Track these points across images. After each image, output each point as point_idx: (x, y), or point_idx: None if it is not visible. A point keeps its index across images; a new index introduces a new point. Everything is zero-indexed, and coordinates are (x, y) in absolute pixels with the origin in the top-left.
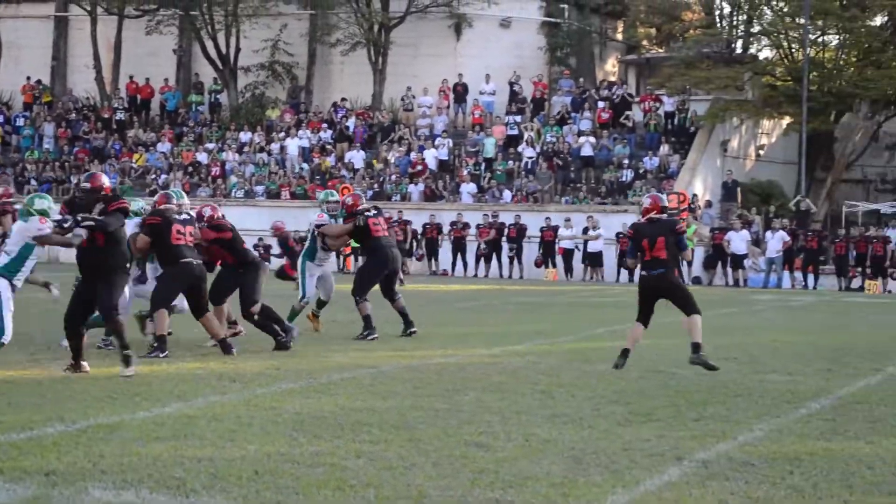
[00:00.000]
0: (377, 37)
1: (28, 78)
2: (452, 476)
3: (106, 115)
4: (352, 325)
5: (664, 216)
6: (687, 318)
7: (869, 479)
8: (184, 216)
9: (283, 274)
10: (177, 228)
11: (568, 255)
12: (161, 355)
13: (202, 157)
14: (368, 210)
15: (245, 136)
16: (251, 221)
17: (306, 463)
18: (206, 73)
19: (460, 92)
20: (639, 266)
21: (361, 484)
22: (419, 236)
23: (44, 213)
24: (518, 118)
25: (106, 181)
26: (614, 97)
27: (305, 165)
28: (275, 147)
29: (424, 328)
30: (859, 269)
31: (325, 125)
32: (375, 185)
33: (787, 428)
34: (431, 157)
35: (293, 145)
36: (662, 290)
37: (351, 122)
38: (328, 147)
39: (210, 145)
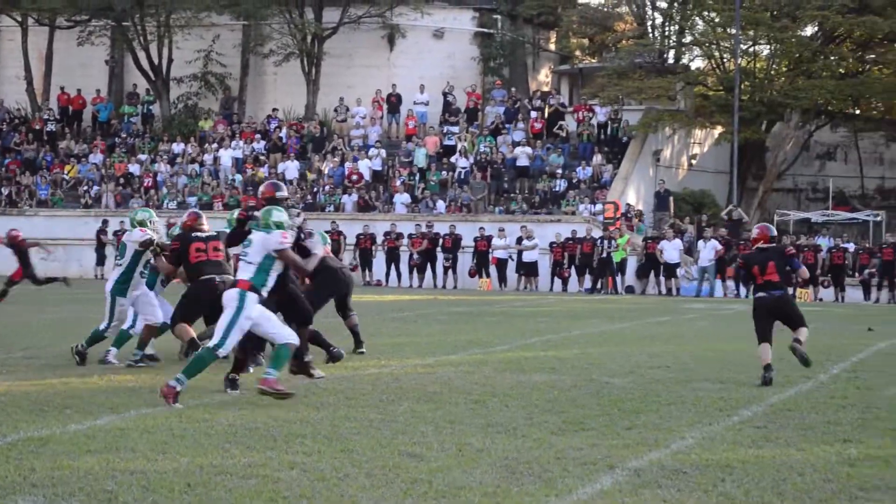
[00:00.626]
0: (310, 47)
1: None
2: (385, 486)
3: (37, 127)
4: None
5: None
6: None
7: (800, 487)
8: (208, 233)
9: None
10: (196, 246)
11: (502, 264)
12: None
13: (134, 169)
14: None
15: (178, 147)
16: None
17: (239, 475)
18: (138, 84)
19: (394, 102)
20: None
21: (294, 495)
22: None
23: (280, 226)
24: (452, 128)
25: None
26: (548, 107)
27: (238, 176)
28: (208, 158)
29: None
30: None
31: (258, 136)
32: (309, 196)
33: (719, 436)
34: (365, 167)
35: (226, 156)
36: (779, 311)
37: (284, 133)
38: (261, 158)
39: (142, 156)
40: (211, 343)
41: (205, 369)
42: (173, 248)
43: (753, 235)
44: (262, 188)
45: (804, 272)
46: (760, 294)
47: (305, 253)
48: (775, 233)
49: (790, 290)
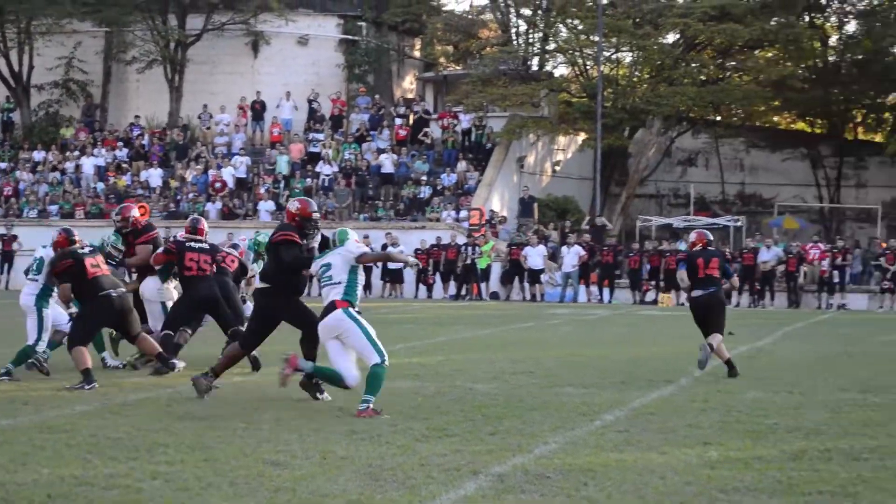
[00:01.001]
0: (174, 54)
1: None
2: (249, 495)
3: None
4: None
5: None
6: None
7: (661, 489)
8: (200, 245)
9: None
10: (189, 257)
11: (367, 271)
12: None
13: None
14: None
15: (38, 154)
16: (45, 241)
17: (101, 485)
18: None
19: (258, 109)
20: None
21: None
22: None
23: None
24: (318, 135)
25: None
26: (412, 114)
27: (101, 185)
28: (69, 166)
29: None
30: (653, 283)
31: (120, 143)
32: (172, 204)
33: (582, 440)
34: (229, 175)
35: (88, 164)
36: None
37: (147, 141)
38: (124, 166)
39: (2, 164)
40: (374, 361)
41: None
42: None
43: (691, 240)
44: (296, 205)
45: (735, 281)
46: (697, 292)
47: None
48: (711, 237)
49: (652, 296)
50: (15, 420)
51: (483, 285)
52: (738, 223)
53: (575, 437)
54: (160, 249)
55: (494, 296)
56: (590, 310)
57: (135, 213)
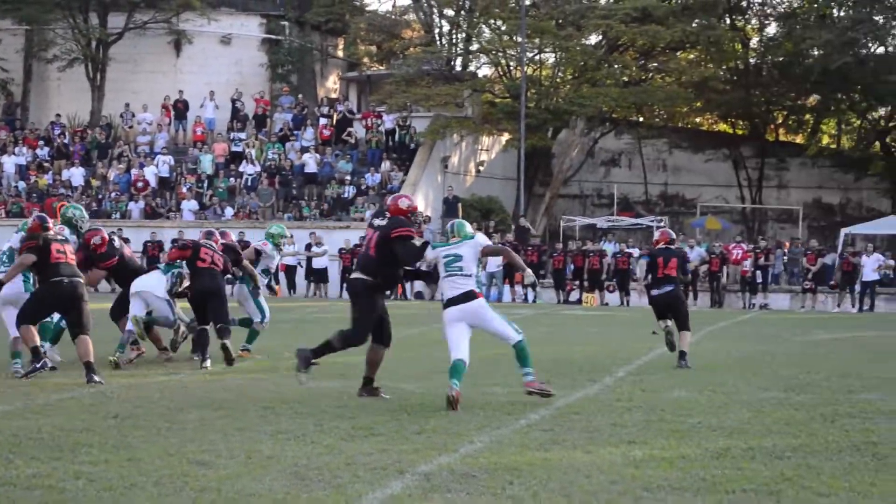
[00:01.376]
0: (95, 53)
1: None
2: (174, 495)
3: None
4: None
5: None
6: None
7: (586, 488)
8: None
9: None
10: (205, 251)
11: (291, 271)
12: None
13: None
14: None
15: None
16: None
17: (23, 485)
18: None
19: (181, 108)
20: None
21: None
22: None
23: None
24: (241, 135)
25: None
26: (336, 114)
27: (22, 183)
28: None
29: (148, 346)
30: (577, 283)
31: (41, 142)
32: (94, 204)
33: (508, 439)
34: (151, 174)
35: (9, 163)
36: (669, 307)
37: (68, 139)
38: (45, 165)
39: None
40: (516, 339)
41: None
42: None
43: (656, 237)
44: (406, 202)
45: (688, 278)
46: (654, 292)
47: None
48: (674, 236)
49: (576, 296)
50: None
51: (408, 285)
52: (661, 223)
53: (500, 436)
54: (178, 244)
55: (419, 295)
56: (514, 309)
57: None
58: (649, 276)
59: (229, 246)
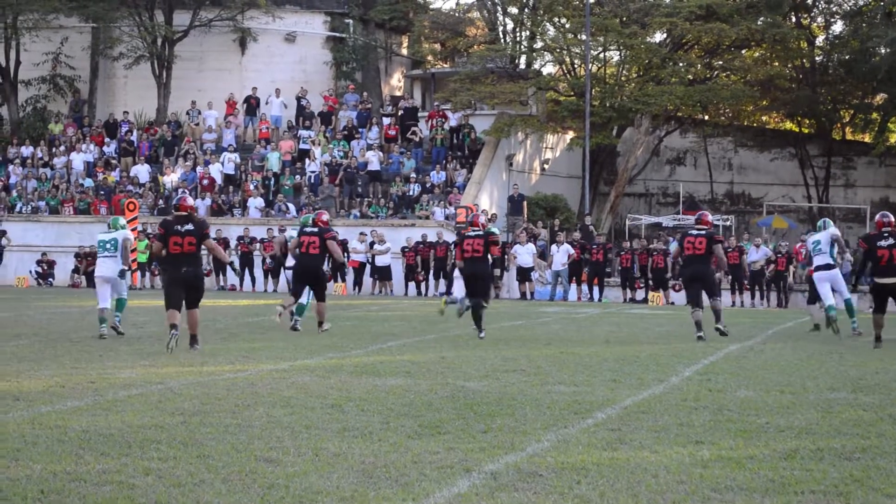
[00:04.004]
0: (161, 50)
1: None
2: (242, 492)
3: None
4: (139, 340)
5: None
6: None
7: (654, 488)
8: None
9: None
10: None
11: (359, 268)
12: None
13: None
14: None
15: (27, 150)
16: (34, 237)
17: (93, 481)
18: None
19: (253, 105)
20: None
21: (150, 501)
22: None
23: None
24: (307, 132)
25: None
26: (400, 112)
27: (89, 180)
28: (58, 161)
29: (211, 344)
30: (643, 281)
31: (108, 139)
32: (161, 201)
33: (574, 438)
34: (217, 171)
35: (78, 160)
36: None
37: (135, 136)
38: (112, 162)
39: None
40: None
41: None
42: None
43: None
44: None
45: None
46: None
47: None
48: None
49: (642, 294)
50: (6, 415)
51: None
52: (728, 222)
53: (567, 435)
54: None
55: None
56: (580, 308)
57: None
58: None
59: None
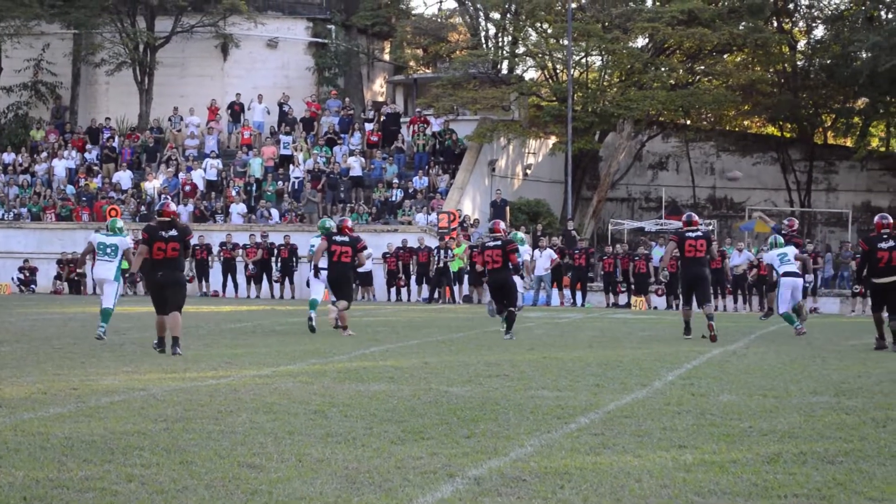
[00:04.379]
0: (143, 56)
1: None
2: (226, 498)
3: None
4: (122, 346)
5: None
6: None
7: (637, 493)
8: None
9: None
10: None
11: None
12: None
13: None
14: None
15: (8, 156)
16: (16, 244)
17: (76, 488)
18: None
19: (237, 111)
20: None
21: None
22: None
23: None
24: (288, 138)
25: None
26: (382, 117)
27: (71, 187)
28: (40, 168)
29: (194, 350)
30: (625, 286)
31: (89, 146)
32: (143, 207)
33: (558, 443)
34: (199, 177)
35: (60, 166)
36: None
37: (117, 143)
38: (94, 168)
39: None
40: None
41: None
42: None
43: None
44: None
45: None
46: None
47: None
48: (696, 218)
49: (625, 299)
50: None
51: (456, 288)
52: (710, 227)
53: (550, 439)
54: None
55: (467, 299)
56: (563, 313)
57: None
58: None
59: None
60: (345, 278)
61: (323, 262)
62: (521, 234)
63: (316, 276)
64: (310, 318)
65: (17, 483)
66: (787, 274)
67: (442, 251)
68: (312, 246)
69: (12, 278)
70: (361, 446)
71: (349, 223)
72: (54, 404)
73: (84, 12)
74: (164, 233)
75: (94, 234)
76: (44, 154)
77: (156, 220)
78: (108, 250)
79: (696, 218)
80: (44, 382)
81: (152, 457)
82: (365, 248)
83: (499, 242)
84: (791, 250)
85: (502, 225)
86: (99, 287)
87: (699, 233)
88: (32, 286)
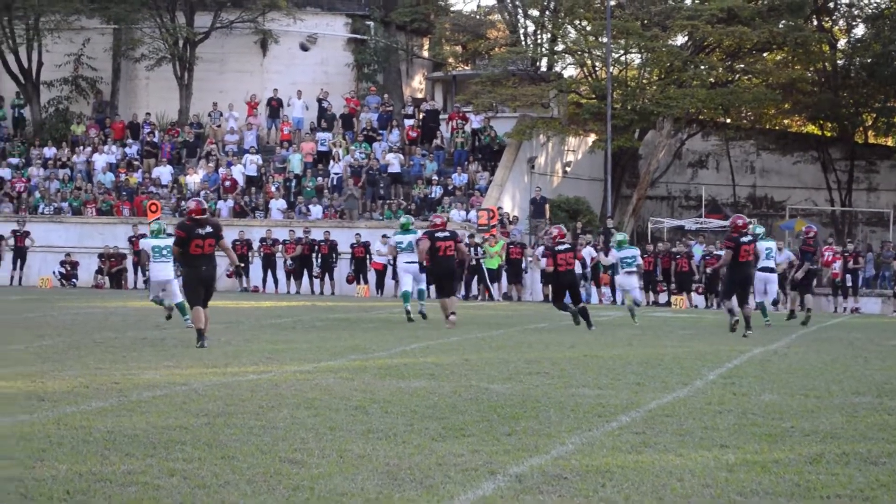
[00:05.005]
0: (182, 52)
1: None
2: (267, 493)
3: None
4: (163, 341)
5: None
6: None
7: (679, 492)
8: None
9: None
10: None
11: (381, 270)
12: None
13: (4, 173)
14: None
15: (49, 151)
16: (57, 238)
17: (119, 482)
18: (7, 88)
19: (274, 107)
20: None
21: (175, 503)
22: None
23: None
24: (327, 135)
25: None
26: (421, 113)
27: (111, 181)
28: (80, 161)
29: (235, 345)
30: (665, 285)
31: (130, 141)
32: (183, 202)
33: (599, 441)
34: (238, 173)
35: (100, 161)
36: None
37: (157, 138)
38: (135, 163)
39: (14, 160)
40: None
41: None
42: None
43: (738, 223)
44: None
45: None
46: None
47: None
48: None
49: (665, 298)
50: (32, 416)
51: (495, 286)
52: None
53: (592, 438)
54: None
55: (507, 297)
56: (602, 311)
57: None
58: None
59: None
60: (449, 270)
61: (379, 259)
62: (621, 235)
63: (421, 271)
64: (407, 311)
65: (61, 476)
66: (763, 269)
67: (477, 248)
68: (391, 241)
69: (54, 272)
70: (402, 443)
71: (442, 218)
72: (96, 398)
73: (124, 7)
74: (200, 230)
75: (145, 240)
76: (84, 149)
77: (189, 217)
78: (164, 252)
79: (744, 220)
80: (85, 376)
81: (194, 451)
82: (462, 239)
83: (569, 246)
84: (774, 246)
85: (563, 229)
86: (161, 287)
87: (749, 237)
88: (74, 280)
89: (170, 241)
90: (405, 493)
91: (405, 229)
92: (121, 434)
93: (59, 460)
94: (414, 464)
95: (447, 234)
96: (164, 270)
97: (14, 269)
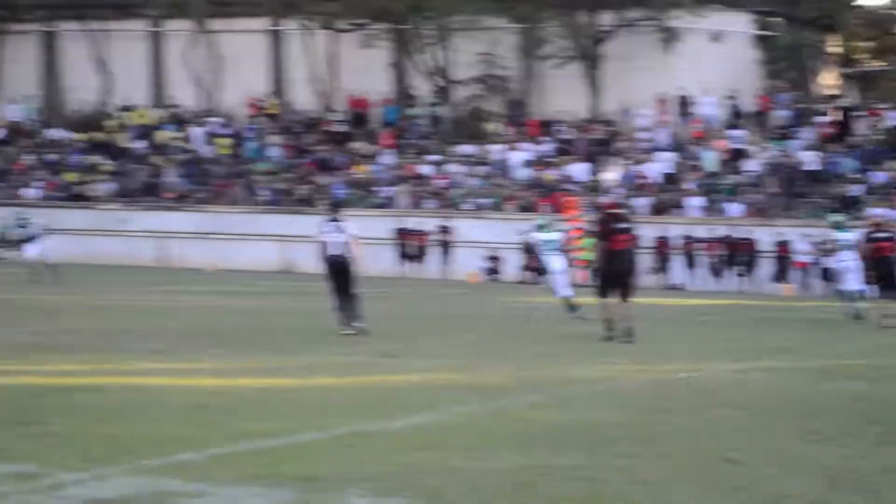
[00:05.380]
0: (588, 50)
1: (248, 92)
2: (708, 494)
3: (328, 128)
4: (586, 337)
5: None
6: None
7: None
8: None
9: None
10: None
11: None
12: None
13: (425, 170)
14: None
15: (466, 148)
16: (477, 233)
17: (562, 476)
18: (420, 87)
19: (684, 104)
20: None
21: (619, 498)
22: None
23: None
24: (739, 132)
25: None
26: (835, 111)
27: (528, 178)
28: (496, 159)
29: (662, 343)
30: None
31: (544, 138)
32: (599, 199)
33: None
34: (653, 170)
35: (516, 158)
36: None
37: (570, 135)
38: (550, 160)
39: (432, 157)
40: None
41: None
42: None
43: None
44: None
45: None
46: None
47: None
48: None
49: None
50: (466, 407)
51: None
52: None
53: None
54: None
55: None
56: None
57: None
58: None
59: None
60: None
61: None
62: None
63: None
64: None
65: (507, 469)
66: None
67: None
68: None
69: (480, 267)
70: (842, 446)
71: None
72: (533, 392)
73: (530, 6)
74: (618, 225)
75: (533, 234)
76: (500, 146)
77: (606, 213)
78: (556, 245)
79: None
80: (513, 370)
81: (632, 448)
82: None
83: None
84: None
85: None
86: (555, 277)
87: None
88: (498, 275)
89: (556, 235)
90: (847, 498)
91: (838, 227)
92: (558, 428)
93: (503, 452)
94: (855, 468)
95: (886, 234)
96: (558, 262)
97: (444, 262)
